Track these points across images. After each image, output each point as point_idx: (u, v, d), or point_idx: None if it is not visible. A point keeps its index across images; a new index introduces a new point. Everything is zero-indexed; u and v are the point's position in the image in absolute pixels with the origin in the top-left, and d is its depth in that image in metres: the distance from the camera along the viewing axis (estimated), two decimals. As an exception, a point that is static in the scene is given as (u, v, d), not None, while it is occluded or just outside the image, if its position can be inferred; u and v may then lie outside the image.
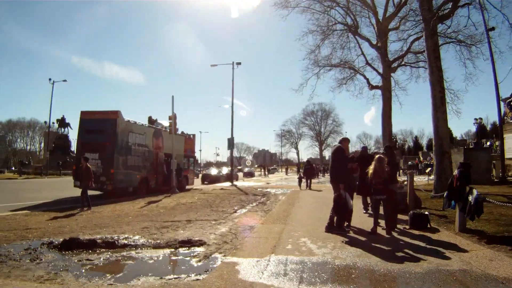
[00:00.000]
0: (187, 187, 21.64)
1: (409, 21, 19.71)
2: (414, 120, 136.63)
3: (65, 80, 44.99)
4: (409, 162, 41.57)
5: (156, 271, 4.41)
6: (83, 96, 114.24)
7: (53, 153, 46.04)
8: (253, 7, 63.83)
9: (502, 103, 44.44)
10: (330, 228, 6.61)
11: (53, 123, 50.78)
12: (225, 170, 35.83)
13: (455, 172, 6.56)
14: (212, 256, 5.13)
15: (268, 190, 19.75)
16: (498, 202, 6.70)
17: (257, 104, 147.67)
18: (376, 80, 22.65)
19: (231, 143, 29.23)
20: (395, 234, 6.46)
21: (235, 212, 10.44)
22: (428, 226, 6.89)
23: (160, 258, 5.11)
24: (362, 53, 22.36)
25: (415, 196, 9.51)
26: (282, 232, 6.74)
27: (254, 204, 12.66)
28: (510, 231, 6.31)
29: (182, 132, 23.10)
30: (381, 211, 7.02)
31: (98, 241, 5.98)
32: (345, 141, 7.30)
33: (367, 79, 22.70)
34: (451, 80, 22.81)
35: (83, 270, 4.49)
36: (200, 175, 35.14)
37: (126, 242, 6.07)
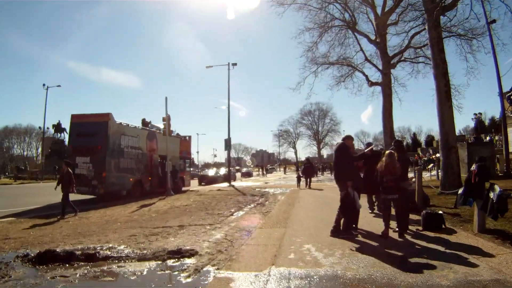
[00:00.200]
0: (184, 188, 21.35)
1: (409, 15, 19.18)
2: (412, 117, 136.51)
3: (59, 85, 44.44)
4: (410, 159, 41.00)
5: (137, 290, 3.76)
6: (80, 101, 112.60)
7: (49, 158, 45.55)
8: (250, 9, 63.12)
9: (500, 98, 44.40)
10: (336, 231, 5.98)
11: (48, 128, 50.54)
12: (222, 171, 35.24)
13: (473, 167, 5.93)
14: (204, 269, 4.46)
15: (267, 190, 19.18)
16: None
17: (254, 104, 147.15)
18: (375, 77, 22.18)
19: (228, 144, 28.81)
20: (408, 237, 5.82)
21: (232, 215, 9.81)
22: (443, 226, 6.28)
23: (144, 273, 4.43)
24: (361, 49, 21.82)
25: (423, 194, 8.94)
26: (282, 238, 6.10)
27: (252, 205, 12.03)
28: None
29: (178, 134, 22.81)
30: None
31: (77, 253, 5.37)
32: (349, 138, 6.71)
33: (366, 76, 22.19)
34: (452, 74, 22.26)
35: (55, 290, 3.84)
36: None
37: (108, 253, 5.44)
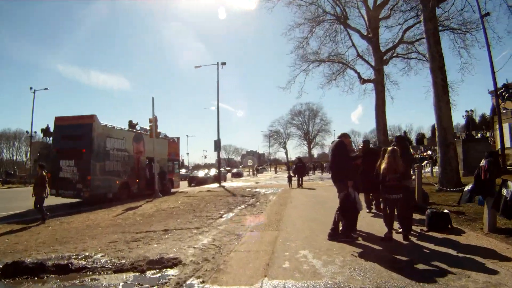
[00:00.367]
0: (173, 190, 20.99)
1: (402, 7, 18.78)
2: (403, 115, 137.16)
3: (46, 88, 43.97)
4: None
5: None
6: (70, 105, 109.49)
7: (38, 163, 44.35)
8: (242, 9, 62.31)
9: (490, 96, 44.58)
10: (335, 234, 5.42)
11: (35, 132, 49.84)
12: (213, 172, 34.61)
13: (482, 162, 5.44)
14: (187, 282, 3.85)
15: (258, 190, 18.65)
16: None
17: (245, 105, 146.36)
18: (367, 74, 21.83)
19: (217, 145, 28.43)
20: (413, 239, 5.29)
21: (221, 217, 9.22)
22: (449, 226, 5.78)
23: (119, 288, 3.83)
24: (353, 44, 21.38)
25: (423, 191, 8.48)
26: (275, 242, 5.52)
27: (242, 206, 11.45)
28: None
29: (166, 136, 22.34)
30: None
31: (48, 264, 4.75)
32: (346, 136, 6.07)
33: (358, 73, 21.82)
34: (446, 70, 22.00)
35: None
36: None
37: (83, 263, 4.84)
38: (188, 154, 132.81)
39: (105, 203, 13.69)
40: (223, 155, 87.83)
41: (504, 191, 4.92)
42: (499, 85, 19.53)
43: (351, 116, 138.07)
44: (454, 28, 17.72)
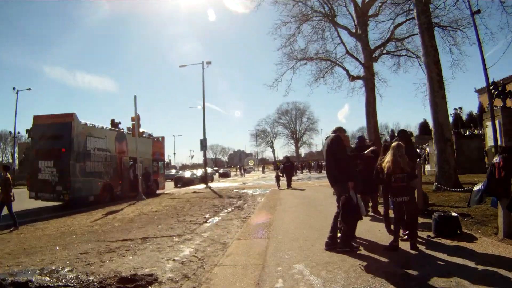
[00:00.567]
0: (158, 191, 20.40)
1: (392, 4, 18.31)
2: (390, 113, 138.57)
3: (29, 89, 43.92)
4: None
5: None
6: (55, 105, 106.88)
7: (24, 164, 43.60)
8: (236, 12, 61.22)
9: (477, 94, 44.92)
10: (333, 243, 4.74)
11: (19, 133, 48.92)
12: (199, 172, 33.87)
13: (496, 158, 4.86)
14: (161, 310, 3.18)
15: (245, 191, 18.07)
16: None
17: (232, 104, 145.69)
18: (356, 71, 21.25)
19: (204, 144, 27.87)
20: (421, 247, 4.67)
21: (206, 222, 8.53)
22: (458, 231, 5.21)
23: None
24: (342, 42, 20.75)
25: (422, 192, 7.92)
26: (266, 254, 4.82)
27: (229, 209, 10.78)
28: None
29: (150, 135, 21.62)
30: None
31: (4, 282, 3.98)
32: (341, 131, 5.20)
33: (347, 71, 21.20)
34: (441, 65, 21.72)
35: None
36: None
37: (46, 280, 3.98)
38: (174, 154, 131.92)
39: (87, 206, 13.06)
40: (210, 155, 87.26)
41: (523, 192, 4.35)
42: (480, 86, 19.34)
43: (337, 115, 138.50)
44: (445, 25, 17.40)
